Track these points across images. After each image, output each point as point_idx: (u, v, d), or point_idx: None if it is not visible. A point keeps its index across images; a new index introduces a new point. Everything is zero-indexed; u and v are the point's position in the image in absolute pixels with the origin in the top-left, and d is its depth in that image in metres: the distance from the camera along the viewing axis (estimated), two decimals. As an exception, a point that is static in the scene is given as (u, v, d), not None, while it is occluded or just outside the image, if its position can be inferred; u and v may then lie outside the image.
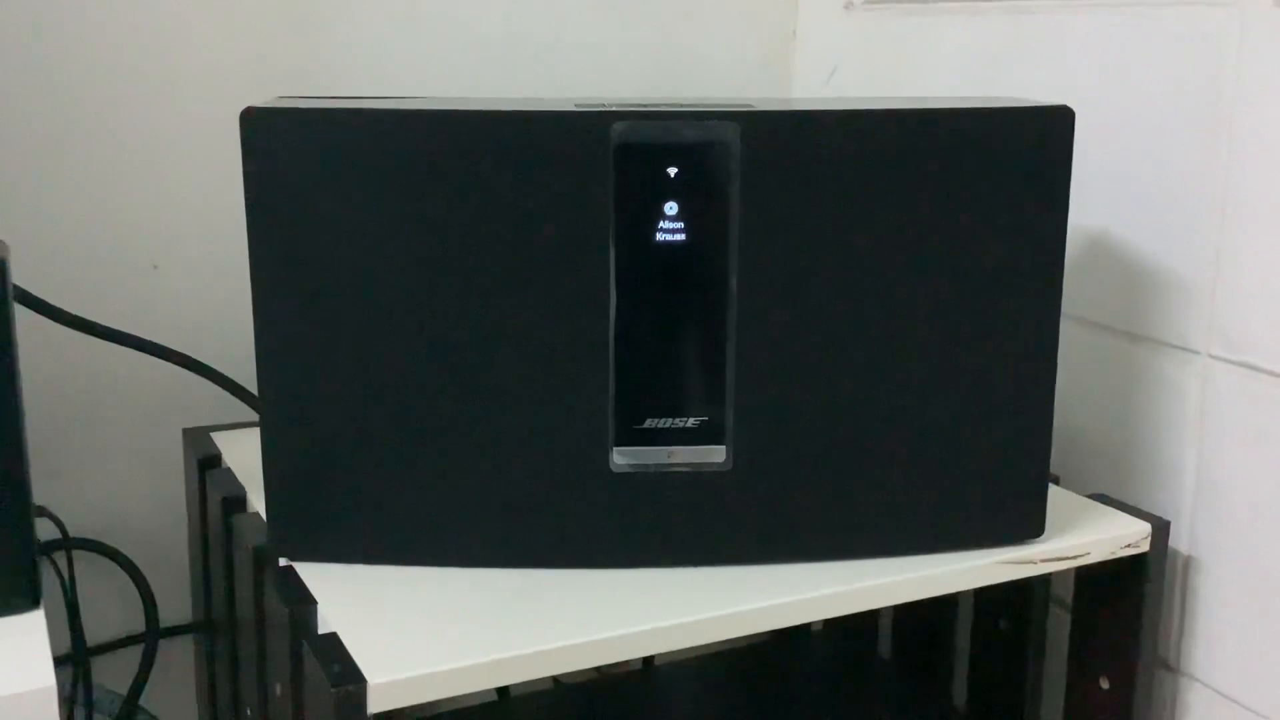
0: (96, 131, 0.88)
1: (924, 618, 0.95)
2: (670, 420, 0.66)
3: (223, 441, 0.85)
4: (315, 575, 0.66)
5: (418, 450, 0.65)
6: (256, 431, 0.85)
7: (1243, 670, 0.78)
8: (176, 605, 0.95)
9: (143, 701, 0.92)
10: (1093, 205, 0.85)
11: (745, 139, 0.64)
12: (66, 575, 0.86)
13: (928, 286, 0.66)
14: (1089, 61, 0.85)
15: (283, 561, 0.67)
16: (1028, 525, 0.71)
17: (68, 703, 0.88)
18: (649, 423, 0.66)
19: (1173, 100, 0.79)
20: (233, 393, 0.84)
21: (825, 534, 0.68)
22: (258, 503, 0.74)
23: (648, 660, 1.00)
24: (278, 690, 0.64)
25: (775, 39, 1.11)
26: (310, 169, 0.62)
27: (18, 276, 0.86)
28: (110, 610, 0.93)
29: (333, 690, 0.55)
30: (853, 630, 1.03)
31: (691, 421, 0.67)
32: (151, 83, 0.89)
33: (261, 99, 0.91)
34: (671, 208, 0.64)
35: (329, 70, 0.94)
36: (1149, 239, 0.81)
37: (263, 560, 0.68)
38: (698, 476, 0.67)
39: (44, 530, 0.84)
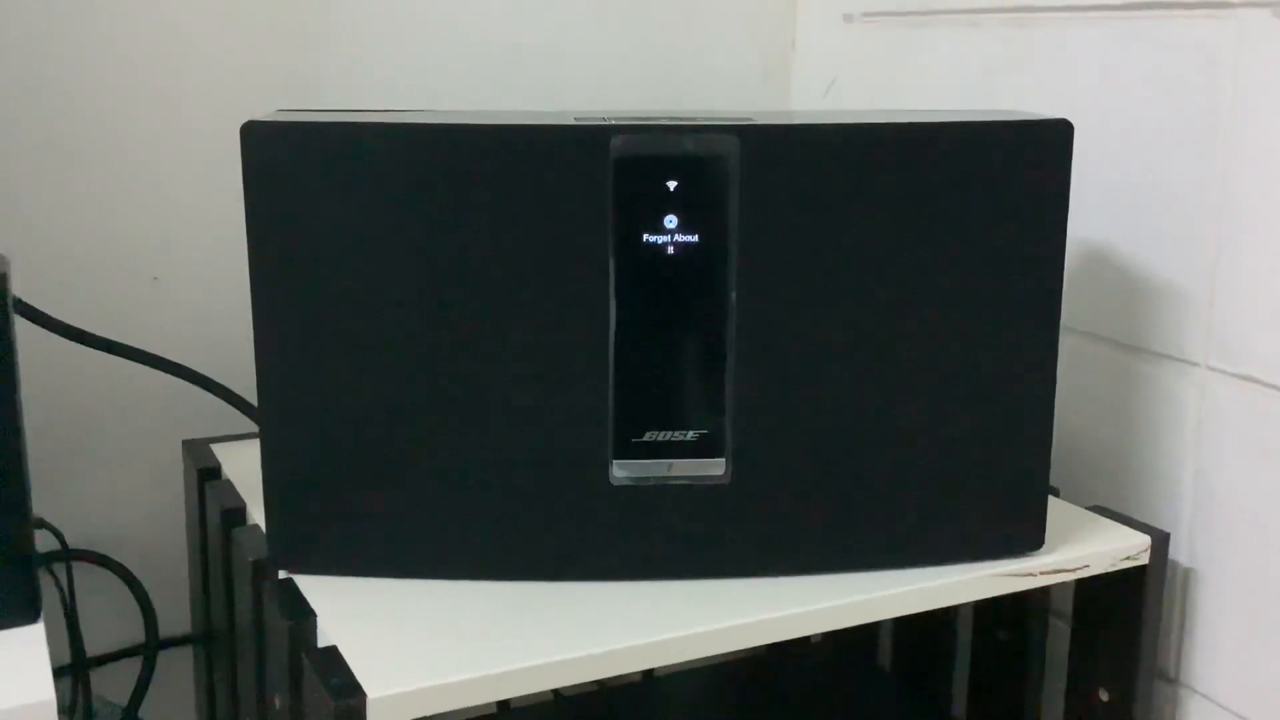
0: (97, 143, 0.88)
1: (923, 630, 0.95)
2: (670, 433, 0.66)
3: (223, 453, 0.85)
4: (315, 588, 0.66)
5: (418, 462, 0.65)
6: (256, 443, 0.85)
7: (1242, 682, 0.78)
8: (176, 617, 0.95)
9: (142, 713, 0.92)
10: (1091, 217, 0.85)
11: (744, 152, 0.64)
12: (66, 587, 0.86)
13: (927, 299, 0.66)
14: (1087, 73, 0.85)
15: (282, 574, 0.67)
16: (1027, 537, 0.71)
17: (67, 714, 0.88)
18: (648, 436, 0.66)
19: (1171, 111, 0.79)
20: (233, 404, 0.84)
21: (825, 547, 0.68)
22: (257, 514, 0.74)
23: (648, 672, 1.00)
24: (277, 703, 0.64)
25: (774, 50, 1.11)
26: (311, 182, 0.63)
27: (18, 288, 0.86)
28: (110, 622, 0.93)
29: (332, 703, 0.55)
30: (852, 642, 1.03)
31: (691, 434, 0.67)
32: (152, 95, 0.89)
33: (262, 111, 0.91)
34: (671, 220, 0.64)
35: (329, 83, 0.94)
36: (1147, 250, 0.82)
37: (262, 572, 0.68)
38: (697, 489, 0.67)
39: (43, 542, 0.84)
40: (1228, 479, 0.78)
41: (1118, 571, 0.75)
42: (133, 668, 0.93)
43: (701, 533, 0.67)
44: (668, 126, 0.64)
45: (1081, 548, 0.73)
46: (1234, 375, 0.77)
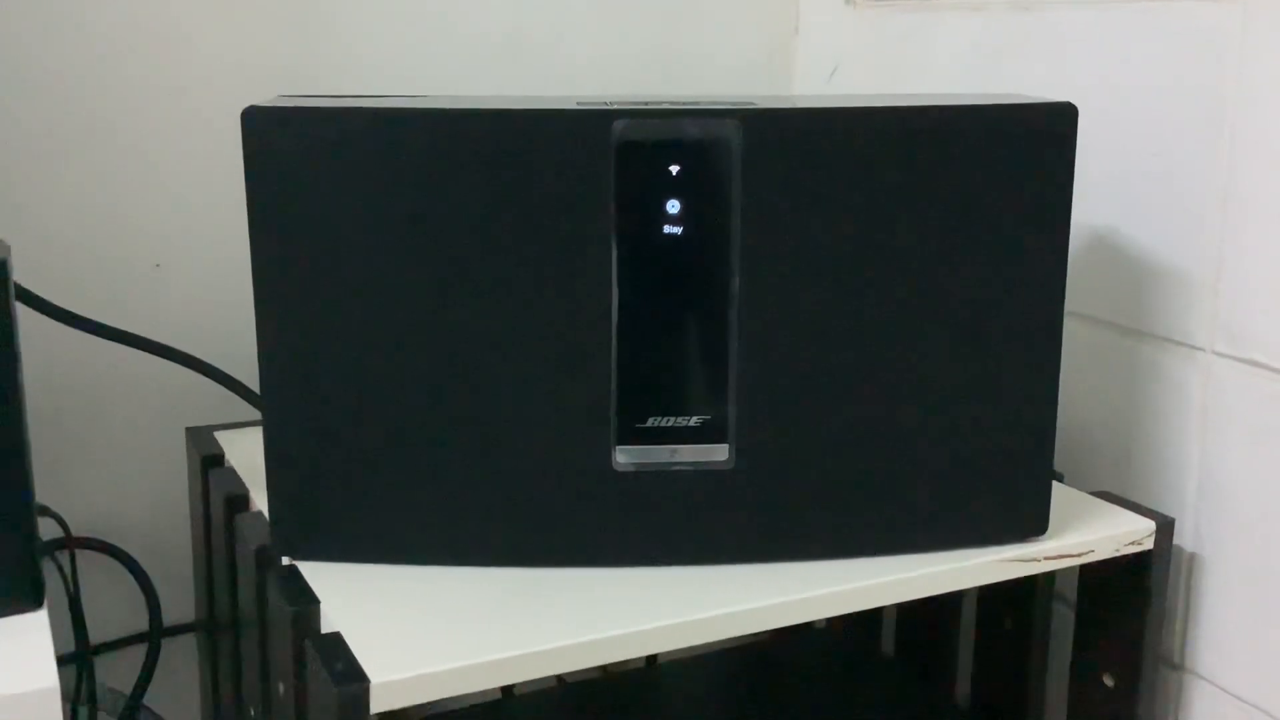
0: (99, 131, 0.88)
1: (927, 616, 0.95)
2: (673, 419, 0.66)
3: (225, 440, 0.85)
4: (318, 574, 0.66)
5: (420, 449, 0.65)
6: (259, 430, 0.85)
7: (1247, 667, 0.78)
8: (180, 604, 0.95)
9: (146, 701, 0.92)
10: (1095, 202, 0.85)
11: (746, 136, 0.64)
12: (70, 574, 0.86)
13: (930, 283, 0.66)
14: (1091, 58, 0.84)
15: (286, 561, 0.67)
16: (1031, 523, 0.71)
17: (71, 702, 0.88)
18: (651, 421, 0.66)
19: (1175, 96, 0.79)
20: (235, 391, 0.84)
21: (828, 532, 0.68)
22: (260, 502, 0.74)
23: (651, 658, 1.00)
24: (281, 689, 0.64)
25: (777, 37, 1.11)
26: (312, 167, 0.62)
27: (20, 275, 0.86)
28: (113, 609, 0.94)
29: (336, 690, 0.55)
30: (856, 628, 1.03)
31: (694, 420, 0.66)
32: (153, 82, 0.89)
33: (263, 98, 0.91)
34: (673, 205, 0.64)
35: (331, 70, 0.94)
36: (1152, 235, 0.81)
37: (266, 559, 0.68)
38: (701, 475, 0.67)
39: (47, 529, 0.84)
40: (1232, 464, 0.78)
41: (1122, 557, 0.75)
42: (137, 655, 0.93)
43: (704, 518, 0.67)
44: (670, 111, 0.64)
45: (1086, 533, 0.73)
46: (1239, 360, 0.77)
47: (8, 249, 0.61)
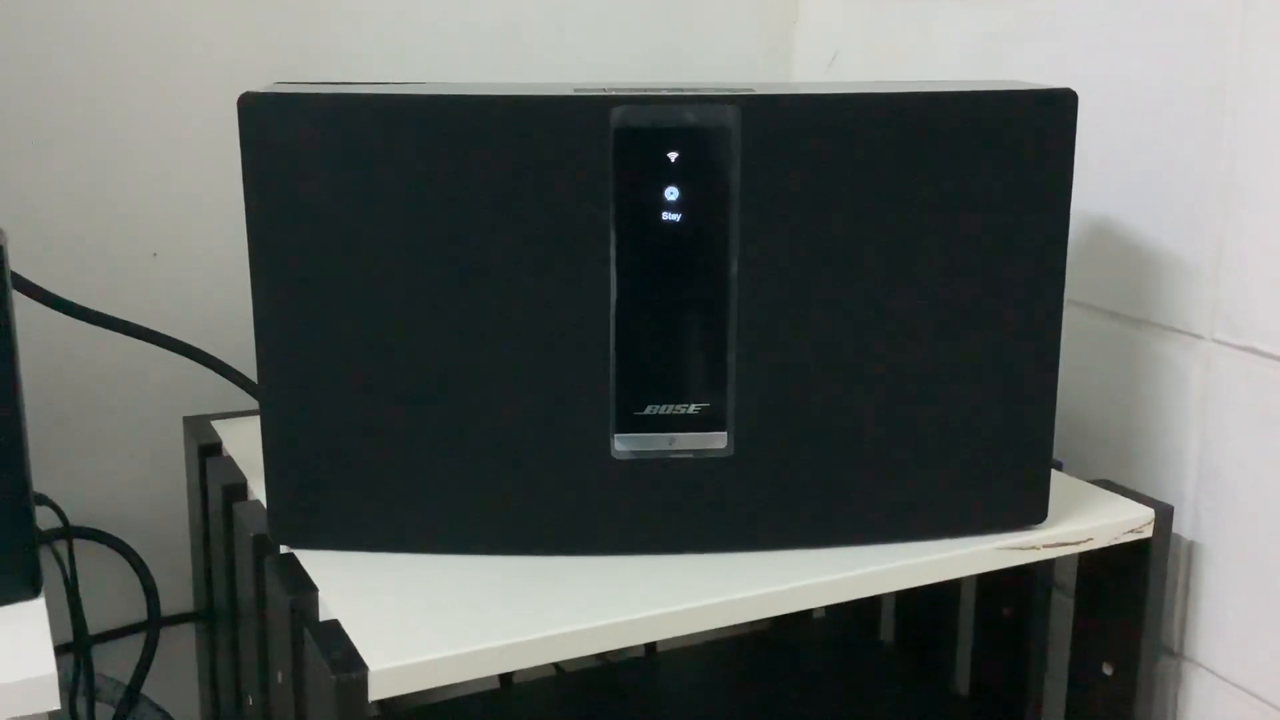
0: (95, 119, 0.88)
1: (926, 604, 0.95)
2: (671, 407, 0.66)
3: (223, 429, 0.85)
4: (316, 563, 0.66)
5: (418, 437, 0.65)
6: (257, 419, 0.85)
7: (1246, 655, 0.78)
8: (178, 593, 0.95)
9: (144, 690, 0.92)
10: (1095, 190, 0.85)
11: (745, 122, 0.63)
12: (67, 564, 0.86)
13: (929, 271, 0.66)
14: (1090, 46, 0.84)
15: (284, 549, 0.67)
16: (1030, 511, 0.71)
17: (69, 691, 0.88)
18: (650, 409, 0.66)
19: (1175, 84, 0.79)
20: (233, 380, 0.84)
21: (827, 520, 0.68)
22: (258, 490, 0.74)
23: (650, 647, 1.00)
24: (279, 678, 0.64)
25: (776, 25, 1.11)
26: (309, 154, 0.62)
27: (17, 264, 0.86)
28: (111, 599, 0.93)
29: (334, 677, 0.55)
30: (855, 616, 1.03)
31: (693, 408, 0.66)
32: (150, 70, 0.89)
33: (260, 85, 0.90)
34: (672, 192, 0.64)
35: (328, 57, 0.94)
36: (1152, 223, 0.81)
37: (263, 548, 0.68)
38: (699, 463, 0.67)
39: (45, 519, 0.84)
40: (1232, 452, 0.78)
41: (1121, 545, 0.75)
42: (135, 644, 0.93)
43: (703, 506, 0.67)
44: (668, 97, 0.63)
45: (1085, 521, 0.73)
46: (1238, 348, 0.77)
47: (4, 237, 0.61)
